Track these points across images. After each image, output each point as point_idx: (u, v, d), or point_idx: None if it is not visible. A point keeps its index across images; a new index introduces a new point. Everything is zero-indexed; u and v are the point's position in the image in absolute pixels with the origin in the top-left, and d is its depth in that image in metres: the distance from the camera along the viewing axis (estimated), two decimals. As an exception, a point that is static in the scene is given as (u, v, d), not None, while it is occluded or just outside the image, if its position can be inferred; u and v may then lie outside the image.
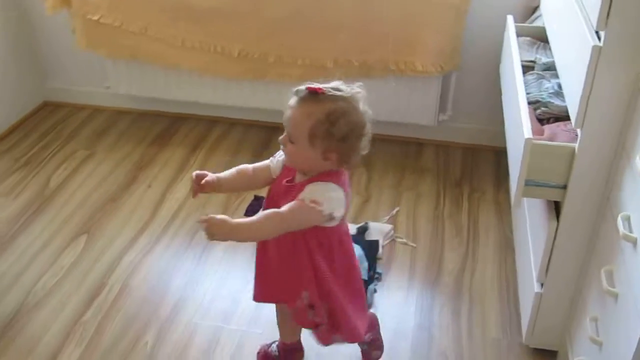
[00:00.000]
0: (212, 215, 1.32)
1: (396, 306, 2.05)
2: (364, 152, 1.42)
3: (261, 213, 1.40)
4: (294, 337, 1.81)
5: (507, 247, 2.27)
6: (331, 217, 1.40)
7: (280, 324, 1.79)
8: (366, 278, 2.08)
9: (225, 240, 1.39)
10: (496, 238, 2.32)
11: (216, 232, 1.33)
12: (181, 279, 2.15)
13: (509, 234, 2.33)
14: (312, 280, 1.50)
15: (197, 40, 2.70)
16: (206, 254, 2.25)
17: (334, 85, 1.39)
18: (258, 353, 1.85)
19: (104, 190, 2.61)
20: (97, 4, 2.70)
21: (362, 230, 2.33)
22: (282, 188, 1.47)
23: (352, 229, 2.33)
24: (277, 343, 1.84)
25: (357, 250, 2.16)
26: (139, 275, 2.17)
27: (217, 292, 2.10)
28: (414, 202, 2.51)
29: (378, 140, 2.83)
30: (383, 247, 2.28)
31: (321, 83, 1.38)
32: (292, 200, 1.38)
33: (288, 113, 1.38)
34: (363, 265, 2.12)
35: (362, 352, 1.82)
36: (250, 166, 1.57)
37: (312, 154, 1.38)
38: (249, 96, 2.85)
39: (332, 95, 1.36)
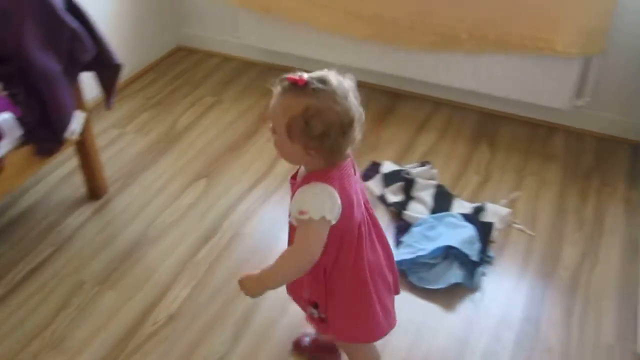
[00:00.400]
0: (241, 276, 1.37)
1: (504, 293, 1.98)
2: (355, 142, 1.31)
3: (279, 256, 1.35)
4: (327, 337, 1.70)
5: (632, 250, 2.13)
6: (325, 221, 1.28)
7: None
8: (477, 260, 2.03)
9: (260, 294, 1.38)
10: (622, 238, 2.18)
11: (248, 291, 1.37)
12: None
13: (638, 236, 2.18)
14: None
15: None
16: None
17: (320, 75, 1.27)
18: (294, 341, 1.81)
19: (226, 137, 2.67)
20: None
21: (478, 210, 2.25)
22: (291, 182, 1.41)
23: (468, 207, 2.27)
24: (311, 336, 1.79)
25: (470, 230, 2.11)
26: (251, 224, 2.22)
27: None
28: (536, 189, 2.40)
29: (506, 119, 2.77)
30: (498, 230, 2.20)
31: (329, 70, 1.28)
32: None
33: (271, 102, 1.29)
34: (474, 247, 2.06)
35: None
36: None
37: (294, 148, 1.28)
38: (376, 60, 2.81)
39: (312, 88, 1.24)
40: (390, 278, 1.53)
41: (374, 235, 1.46)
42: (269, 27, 2.94)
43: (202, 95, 2.97)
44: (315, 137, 1.25)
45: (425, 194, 2.30)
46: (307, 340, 1.80)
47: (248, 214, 2.26)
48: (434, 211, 2.25)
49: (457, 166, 2.50)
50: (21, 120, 1.83)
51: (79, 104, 2.08)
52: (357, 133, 1.30)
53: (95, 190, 2.31)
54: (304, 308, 1.56)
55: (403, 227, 2.19)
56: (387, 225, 2.20)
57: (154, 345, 1.79)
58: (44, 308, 1.89)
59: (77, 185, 2.35)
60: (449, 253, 2.03)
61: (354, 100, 1.28)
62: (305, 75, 1.25)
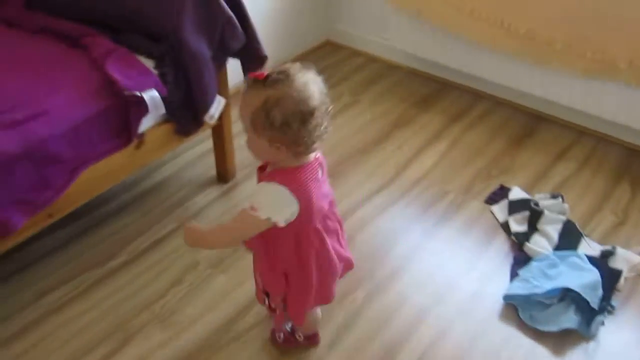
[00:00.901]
0: (189, 224, 1.46)
1: (622, 347, 1.85)
2: (321, 136, 1.32)
3: (219, 225, 1.47)
4: (311, 330, 1.80)
5: None
6: (271, 223, 1.33)
7: None
8: (596, 308, 1.90)
9: (194, 247, 1.47)
10: None
11: (187, 240, 1.46)
12: (405, 247, 2.15)
13: None
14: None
15: (486, 12, 2.60)
16: (437, 229, 2.22)
17: (280, 68, 1.29)
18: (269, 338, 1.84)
19: (357, 139, 2.68)
20: (399, -43, 2.72)
21: (607, 254, 2.11)
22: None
23: (596, 249, 2.13)
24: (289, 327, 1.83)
25: (594, 274, 1.98)
26: (367, 231, 2.21)
27: (437, 270, 2.06)
28: (678, 241, 2.22)
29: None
30: (626, 279, 2.05)
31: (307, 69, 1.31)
32: None
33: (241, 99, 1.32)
34: (596, 293, 1.94)
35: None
36: None
37: (261, 144, 1.31)
38: (522, 78, 2.70)
39: (272, 80, 1.26)
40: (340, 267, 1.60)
41: (339, 231, 1.54)
42: (419, 32, 2.90)
43: (341, 93, 2.99)
44: (277, 128, 1.26)
45: (552, 228, 2.19)
46: (282, 335, 1.81)
47: (365, 220, 2.25)
48: (558, 248, 2.13)
49: (591, 202, 2.36)
50: (166, 99, 1.93)
51: (222, 90, 2.16)
52: (322, 123, 1.32)
53: (224, 174, 2.40)
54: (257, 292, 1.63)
55: (522, 259, 2.10)
56: (505, 255, 2.12)
57: (254, 335, 1.84)
58: (159, 281, 2.00)
59: (209, 166, 2.45)
60: (567, 295, 1.92)
61: (315, 90, 1.29)
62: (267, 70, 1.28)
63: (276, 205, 1.33)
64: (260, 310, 1.90)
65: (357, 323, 1.88)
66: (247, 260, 2.06)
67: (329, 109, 1.35)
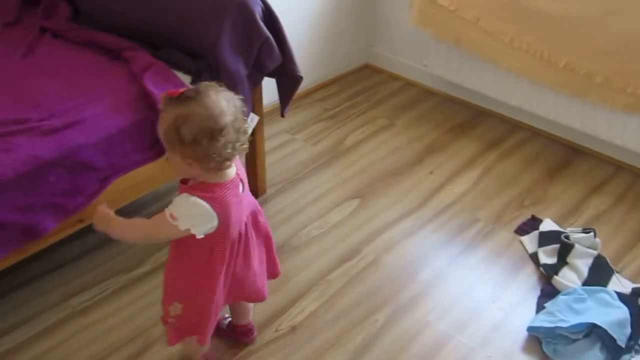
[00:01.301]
0: (101, 207, 1.48)
1: (647, 389, 1.80)
2: (233, 153, 1.34)
3: (136, 218, 1.47)
4: (244, 320, 1.82)
5: None
6: (189, 233, 1.35)
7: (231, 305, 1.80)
8: (623, 346, 1.85)
9: (103, 231, 1.46)
10: None
11: (96, 222, 1.48)
12: (430, 273, 2.13)
13: None
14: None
15: (526, 42, 2.59)
16: (464, 256, 2.20)
17: (195, 87, 1.33)
18: None
19: (389, 162, 2.68)
20: (441, -16, 2.73)
21: (638, 292, 2.06)
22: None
23: (627, 286, 2.08)
24: (228, 320, 1.86)
25: (623, 312, 1.93)
26: (393, 253, 2.21)
27: (460, 298, 2.04)
28: None
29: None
30: (656, 319, 1.99)
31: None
32: None
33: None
34: (624, 331, 1.89)
35: None
36: None
37: (175, 159, 1.34)
38: (560, 110, 2.67)
39: (183, 98, 1.30)
40: (258, 283, 1.63)
41: (250, 249, 1.54)
42: (458, 60, 2.91)
43: (376, 115, 3.00)
44: (187, 144, 1.29)
45: (582, 262, 2.14)
46: (225, 322, 1.85)
47: (392, 243, 2.25)
48: (587, 283, 2.09)
49: (625, 239, 2.31)
50: (201, 113, 1.97)
51: (256, 107, 2.19)
52: (234, 140, 1.33)
53: (254, 189, 2.41)
54: (164, 313, 1.58)
55: (549, 292, 2.06)
56: (532, 286, 2.09)
57: (270, 353, 1.84)
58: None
59: (240, 181, 2.48)
60: (593, 332, 1.88)
61: (226, 107, 1.31)
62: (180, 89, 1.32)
63: (197, 218, 1.36)
64: (281, 327, 1.91)
65: (376, 345, 1.87)
66: (270, 276, 2.09)
67: (244, 126, 1.38)
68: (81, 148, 1.70)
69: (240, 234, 1.49)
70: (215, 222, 1.37)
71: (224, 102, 1.33)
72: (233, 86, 2.01)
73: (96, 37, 2.11)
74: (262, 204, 2.41)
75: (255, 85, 2.14)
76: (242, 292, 1.63)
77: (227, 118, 1.32)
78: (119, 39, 2.09)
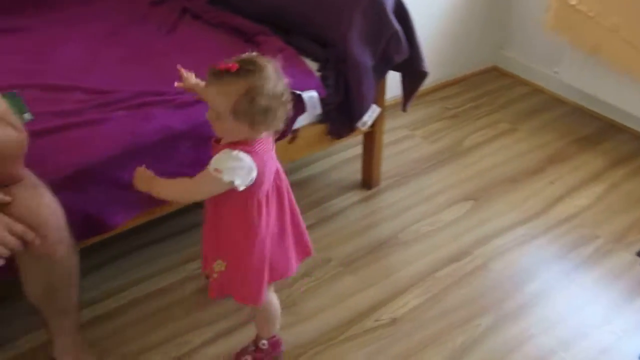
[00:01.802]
0: (141, 168, 1.56)
1: None
2: (288, 116, 1.46)
3: (179, 179, 1.55)
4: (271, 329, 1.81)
5: None
6: (232, 185, 1.43)
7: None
8: None
9: (145, 191, 1.54)
10: None
11: (138, 182, 1.56)
12: (539, 285, 2.07)
13: None
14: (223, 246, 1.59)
15: (669, 55, 2.45)
16: (578, 273, 2.12)
17: (246, 58, 1.41)
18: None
19: (508, 168, 2.62)
20: (581, -11, 2.63)
21: None
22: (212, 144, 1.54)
23: None
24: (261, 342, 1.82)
25: None
26: (502, 260, 2.16)
27: (568, 315, 1.97)
28: None
29: None
30: None
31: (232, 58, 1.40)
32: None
33: (209, 91, 1.42)
34: None
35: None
36: None
37: (240, 127, 1.42)
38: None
39: (247, 71, 1.38)
40: (291, 240, 1.67)
41: (285, 202, 1.62)
42: (592, 69, 2.79)
43: (499, 119, 2.94)
44: (261, 112, 1.40)
45: None
46: (263, 342, 1.81)
47: (503, 250, 2.20)
48: None
49: None
50: (324, 101, 2.01)
51: (378, 99, 2.21)
52: (288, 105, 1.46)
53: (368, 180, 2.46)
54: (209, 269, 1.64)
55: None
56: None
57: (369, 341, 1.86)
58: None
59: (355, 171, 2.51)
60: None
61: (280, 77, 1.43)
62: (232, 62, 1.39)
63: (239, 170, 1.44)
64: (382, 318, 1.93)
65: (475, 349, 1.84)
66: (378, 265, 2.11)
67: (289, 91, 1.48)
68: (207, 123, 1.79)
69: (268, 192, 1.56)
70: (254, 174, 1.46)
71: (276, 70, 1.44)
72: (358, 77, 2.04)
73: (232, 20, 2.21)
74: (375, 196, 2.43)
75: (380, 78, 2.15)
76: (279, 261, 1.65)
77: (284, 83, 1.45)
78: (253, 23, 2.17)
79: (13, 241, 1.30)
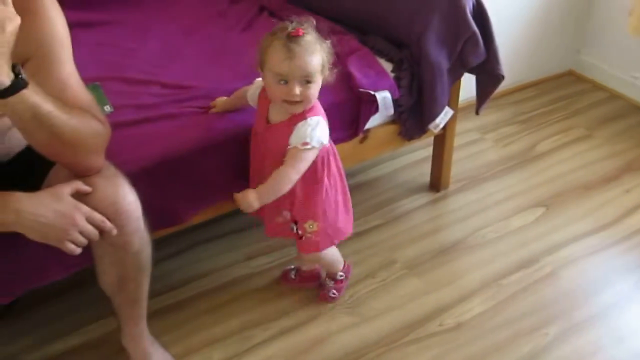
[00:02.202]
0: (239, 194, 1.62)
1: None
2: None
3: (272, 175, 1.62)
4: (311, 266, 2.00)
5: None
6: (320, 147, 1.60)
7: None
8: None
9: (256, 209, 1.61)
10: None
11: (245, 207, 1.61)
12: (611, 295, 2.01)
13: None
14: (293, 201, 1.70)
15: None
16: (651, 286, 2.06)
17: (304, 25, 1.54)
18: (282, 275, 2.06)
19: (582, 174, 2.55)
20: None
21: None
22: (263, 127, 1.66)
23: None
24: (294, 269, 2.05)
25: None
26: (573, 269, 2.11)
27: (640, 328, 1.92)
28: None
29: None
30: None
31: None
32: (280, 138, 1.60)
33: (295, 61, 1.50)
34: None
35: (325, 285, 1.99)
36: (242, 92, 1.77)
37: (319, 85, 1.57)
38: None
39: (317, 35, 1.55)
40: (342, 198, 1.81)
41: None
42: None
43: (574, 125, 2.86)
44: (330, 69, 1.59)
45: None
46: (292, 273, 2.03)
47: (573, 258, 2.15)
48: None
49: None
50: (397, 102, 2.01)
51: (451, 102, 2.19)
52: None
53: (437, 183, 2.44)
54: (280, 229, 1.79)
55: None
56: None
57: (432, 345, 1.85)
58: (355, 270, 2.08)
59: (424, 172, 2.50)
60: None
61: None
62: (291, 27, 1.53)
63: (322, 132, 1.61)
64: (446, 322, 1.91)
65: (542, 359, 1.81)
66: (444, 269, 2.10)
67: None
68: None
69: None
70: (327, 129, 1.64)
71: None
72: (433, 79, 2.02)
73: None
74: (443, 198, 2.42)
75: (455, 80, 2.13)
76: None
77: None
78: (329, 21, 2.18)
79: (92, 230, 1.33)
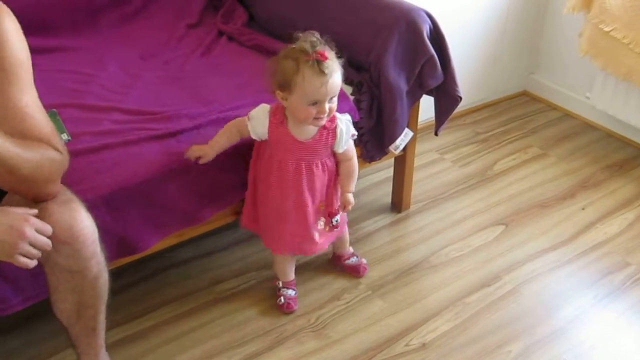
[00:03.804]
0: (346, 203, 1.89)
1: None
2: None
3: (348, 174, 1.88)
4: (290, 277, 2.08)
5: None
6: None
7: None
8: None
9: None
10: None
11: (350, 201, 1.89)
12: (571, 311, 2.05)
13: None
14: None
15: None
16: (609, 301, 2.09)
17: (314, 42, 1.66)
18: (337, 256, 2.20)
19: (538, 193, 2.61)
20: (616, 16, 2.61)
21: None
22: (292, 144, 1.76)
23: None
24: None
25: None
26: (533, 286, 2.14)
27: (602, 343, 1.95)
28: None
29: None
30: None
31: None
32: (319, 149, 1.79)
33: (329, 84, 1.63)
34: None
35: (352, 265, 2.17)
36: (235, 129, 1.78)
37: None
38: None
39: (326, 48, 1.66)
40: None
41: None
42: (624, 95, 2.77)
43: (529, 144, 2.93)
44: None
45: None
46: (354, 259, 2.17)
47: (533, 275, 2.18)
48: None
49: None
50: (357, 124, 2.03)
51: (411, 123, 2.21)
52: None
53: (398, 204, 2.46)
54: (325, 236, 1.96)
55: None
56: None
57: (400, 365, 1.86)
58: (321, 293, 2.09)
59: (384, 194, 2.52)
60: None
61: None
62: (311, 49, 1.64)
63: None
64: (411, 343, 1.92)
65: (507, 377, 1.83)
66: (408, 289, 2.11)
67: None
68: (244, 146, 1.82)
69: None
70: None
71: None
72: (392, 101, 2.05)
73: (267, 42, 2.24)
74: (405, 219, 2.44)
75: (414, 102, 2.16)
76: None
77: None
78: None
79: (44, 240, 1.27)
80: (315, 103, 1.65)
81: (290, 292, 2.04)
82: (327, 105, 1.67)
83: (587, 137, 3.01)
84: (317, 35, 1.69)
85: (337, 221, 1.94)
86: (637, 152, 2.88)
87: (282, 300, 2.01)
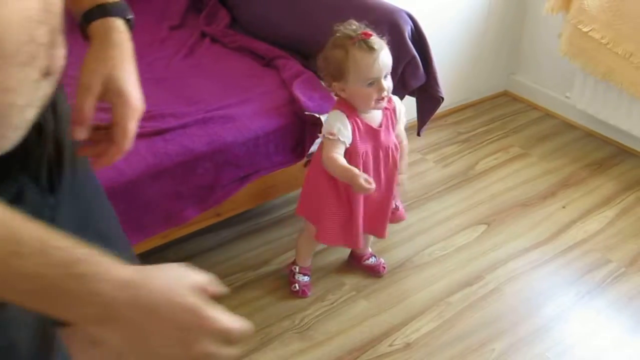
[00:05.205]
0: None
1: None
2: None
3: (403, 155, 1.92)
4: (309, 262, 2.12)
5: None
6: None
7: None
8: None
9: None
10: None
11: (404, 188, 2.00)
12: (553, 309, 2.08)
13: None
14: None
15: (681, 83, 2.47)
16: (590, 298, 2.12)
17: (354, 26, 1.70)
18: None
19: (521, 192, 2.64)
20: (594, 17, 2.65)
21: None
22: (377, 133, 1.78)
23: None
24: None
25: None
26: (516, 284, 2.17)
27: (584, 339, 1.97)
28: None
29: None
30: None
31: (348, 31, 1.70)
32: (391, 132, 1.83)
33: (380, 59, 1.65)
34: None
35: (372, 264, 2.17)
36: (335, 154, 1.74)
37: None
38: None
39: (367, 28, 1.70)
40: None
41: None
42: (604, 94, 2.81)
43: (511, 144, 2.96)
44: None
45: None
46: (373, 259, 2.18)
47: (515, 274, 2.21)
48: None
49: None
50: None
51: (393, 124, 2.23)
52: None
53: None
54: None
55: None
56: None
57: (385, 364, 1.87)
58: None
59: (369, 194, 2.53)
60: None
61: None
62: (355, 32, 1.68)
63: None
64: (395, 343, 1.93)
65: (490, 375, 1.85)
66: (392, 290, 2.13)
67: None
68: (230, 145, 1.82)
69: None
70: None
71: None
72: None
73: (251, 44, 2.24)
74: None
75: (396, 103, 2.18)
76: None
77: None
78: (272, 47, 2.20)
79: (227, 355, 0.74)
80: (372, 83, 1.67)
81: (305, 279, 2.08)
82: (385, 83, 1.68)
83: (568, 137, 3.04)
84: (354, 21, 1.73)
85: (397, 206, 2.00)
86: (617, 151, 2.92)
87: (297, 287, 2.06)
